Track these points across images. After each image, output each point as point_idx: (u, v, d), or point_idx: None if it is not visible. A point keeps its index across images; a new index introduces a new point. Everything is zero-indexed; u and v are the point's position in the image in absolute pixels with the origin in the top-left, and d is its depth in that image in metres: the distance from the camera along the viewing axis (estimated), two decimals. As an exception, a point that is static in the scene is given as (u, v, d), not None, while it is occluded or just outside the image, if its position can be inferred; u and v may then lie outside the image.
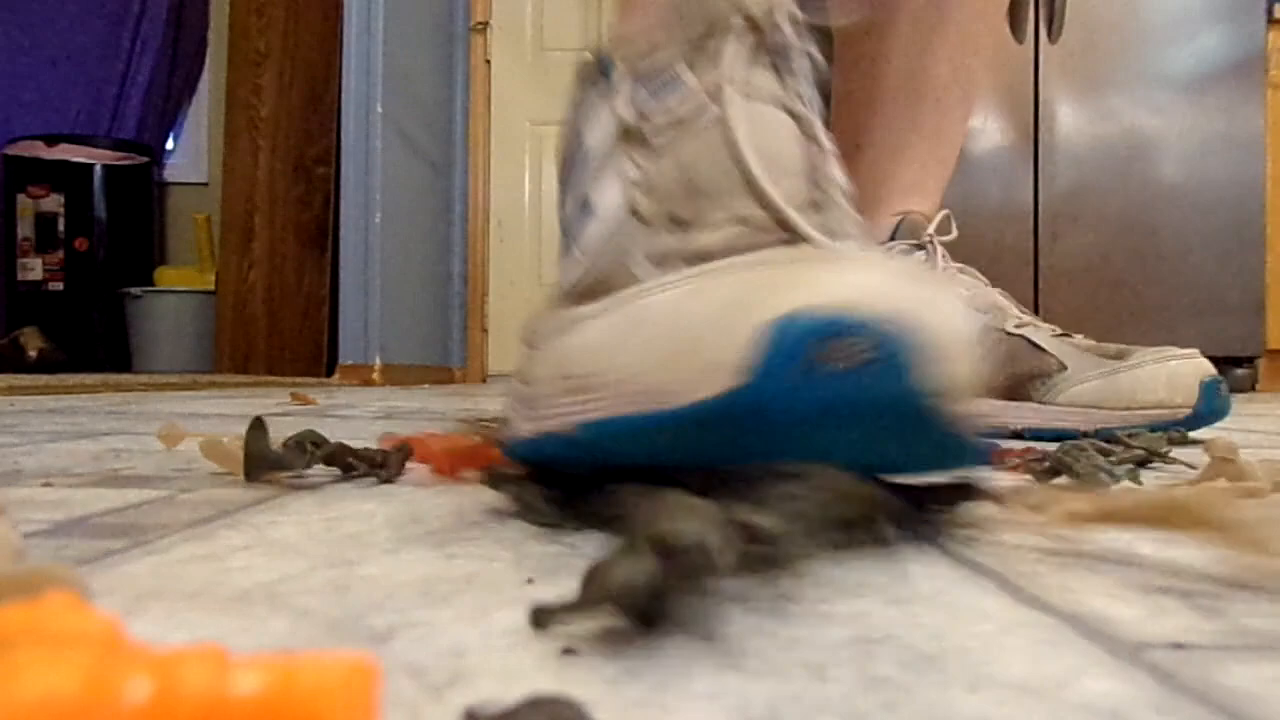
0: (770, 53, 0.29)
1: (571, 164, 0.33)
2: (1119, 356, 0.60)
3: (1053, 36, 1.99)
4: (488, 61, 2.62)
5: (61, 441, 0.49)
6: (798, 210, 0.26)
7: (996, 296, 0.68)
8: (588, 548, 0.22)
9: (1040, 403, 0.62)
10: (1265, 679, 0.13)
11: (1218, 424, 0.60)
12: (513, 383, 0.28)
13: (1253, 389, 2.01)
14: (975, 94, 0.75)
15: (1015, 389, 0.63)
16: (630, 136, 0.29)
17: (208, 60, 3.01)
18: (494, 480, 0.27)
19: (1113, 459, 0.35)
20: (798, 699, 0.12)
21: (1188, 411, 0.57)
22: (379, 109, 1.87)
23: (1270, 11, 2.02)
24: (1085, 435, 0.48)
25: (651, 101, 0.29)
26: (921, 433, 0.21)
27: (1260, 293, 1.98)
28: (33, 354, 2.40)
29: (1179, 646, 0.15)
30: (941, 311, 0.20)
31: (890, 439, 0.21)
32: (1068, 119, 1.99)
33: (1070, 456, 0.34)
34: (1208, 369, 0.59)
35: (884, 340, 0.19)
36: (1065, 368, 0.61)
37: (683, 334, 0.21)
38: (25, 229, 2.66)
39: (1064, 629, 0.16)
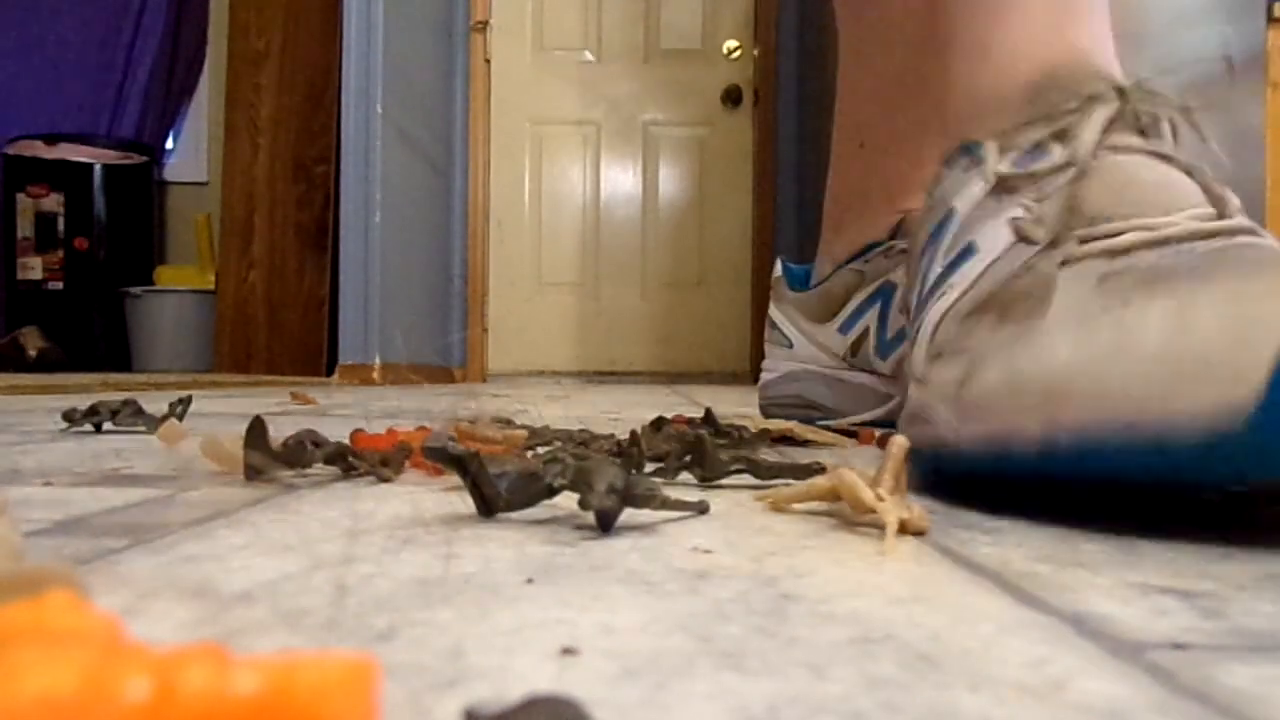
0: (1136, 119, 0.35)
1: (936, 230, 0.39)
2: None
3: (1053, 37, 2.00)
4: (488, 61, 2.62)
5: (61, 441, 0.49)
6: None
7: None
8: (587, 547, 0.22)
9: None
10: (1266, 679, 0.13)
11: None
12: (928, 388, 0.33)
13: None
14: None
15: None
16: (1008, 188, 0.35)
17: (207, 59, 3.01)
18: (435, 454, 0.28)
19: None
20: (797, 699, 0.12)
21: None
22: (379, 108, 1.87)
23: (1270, 10, 2.02)
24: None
25: (1021, 165, 0.35)
26: None
27: (1260, 293, 1.98)
28: (32, 353, 2.40)
29: (1179, 646, 0.15)
30: None
31: None
32: (1068, 119, 1.99)
33: None
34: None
35: None
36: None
37: (1189, 350, 0.22)
38: (25, 228, 2.66)
39: (1064, 629, 0.16)
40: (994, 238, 0.34)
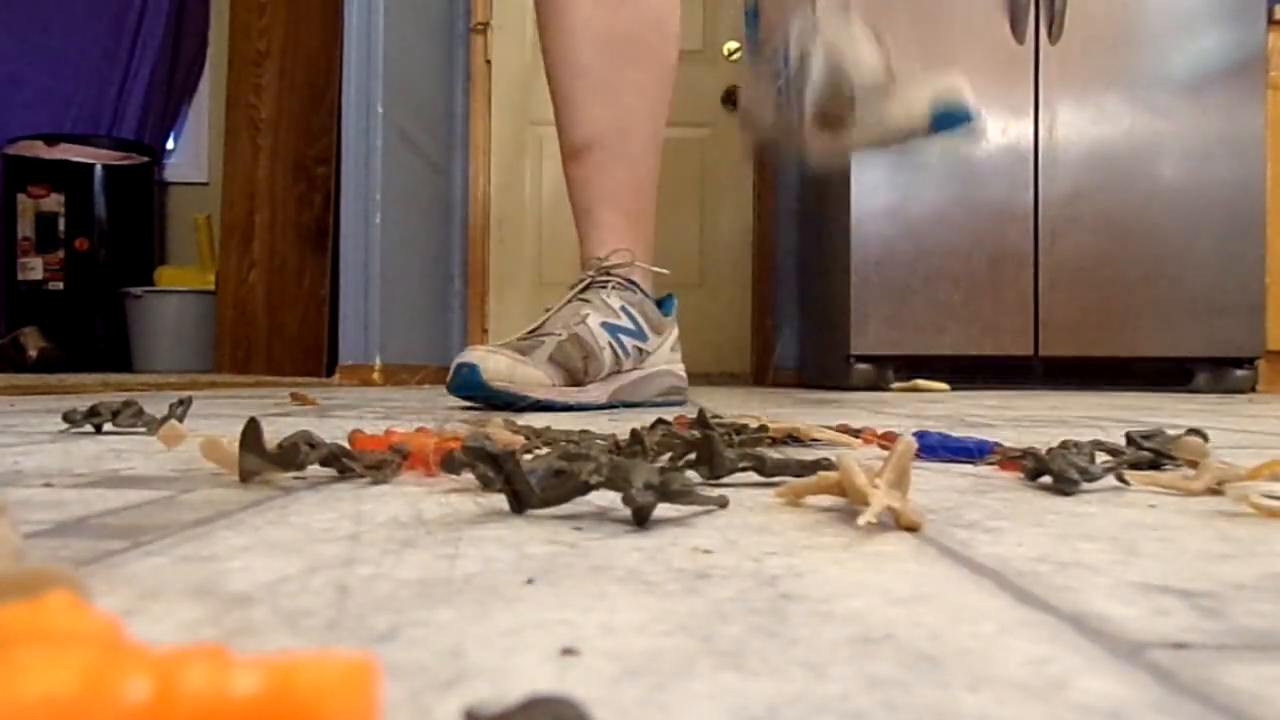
0: None
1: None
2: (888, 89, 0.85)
3: (1053, 37, 1.99)
4: (488, 62, 2.62)
5: (61, 442, 0.49)
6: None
7: (851, 41, 0.90)
8: (587, 547, 0.22)
9: (850, 129, 0.84)
10: (1266, 679, 0.13)
11: None
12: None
13: (1253, 390, 2.01)
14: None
15: (838, 118, 0.86)
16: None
17: (208, 60, 3.01)
18: (454, 465, 0.29)
19: (1106, 462, 0.35)
20: (798, 698, 0.12)
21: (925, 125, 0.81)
22: (379, 109, 1.87)
23: (1270, 12, 2.02)
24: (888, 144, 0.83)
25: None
26: None
27: (1260, 294, 1.98)
28: (33, 354, 2.40)
29: (1179, 646, 0.15)
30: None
31: None
32: (1068, 120, 1.99)
33: (1051, 456, 0.34)
34: (943, 92, 0.78)
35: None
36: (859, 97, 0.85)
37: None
38: (26, 229, 2.66)
39: (1064, 628, 0.16)
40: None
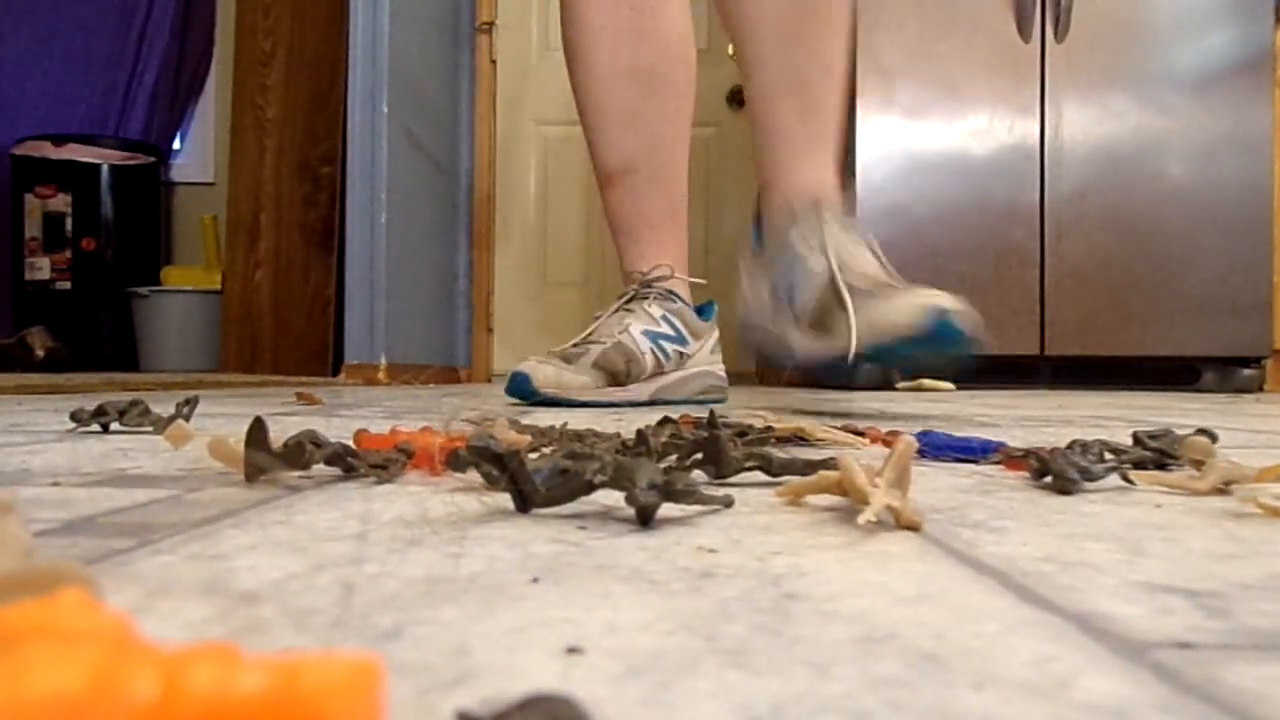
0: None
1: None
2: (883, 294, 0.78)
3: (1059, 35, 1.99)
4: (493, 61, 2.62)
5: (69, 441, 0.49)
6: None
7: (853, 250, 0.88)
8: (592, 546, 0.22)
9: (837, 332, 0.80)
10: (1271, 679, 0.13)
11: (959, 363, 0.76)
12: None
13: (1260, 390, 2.00)
14: (844, 81, 1.00)
15: (825, 325, 0.83)
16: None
17: (214, 60, 3.02)
18: (459, 464, 0.31)
19: (1109, 462, 0.35)
20: (801, 697, 0.12)
21: (913, 332, 0.73)
22: (385, 109, 1.88)
23: (1278, 10, 2.01)
24: (859, 356, 0.76)
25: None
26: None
27: (1267, 293, 1.97)
28: (40, 353, 2.41)
29: (1184, 646, 0.15)
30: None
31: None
32: (1074, 118, 1.98)
33: (1053, 457, 0.34)
34: (942, 302, 0.73)
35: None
36: (850, 304, 0.81)
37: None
38: (33, 229, 2.67)
39: (1068, 628, 0.16)
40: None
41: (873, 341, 0.74)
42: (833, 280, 0.82)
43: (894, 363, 0.68)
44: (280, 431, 0.35)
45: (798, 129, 0.97)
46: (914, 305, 0.72)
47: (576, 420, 0.64)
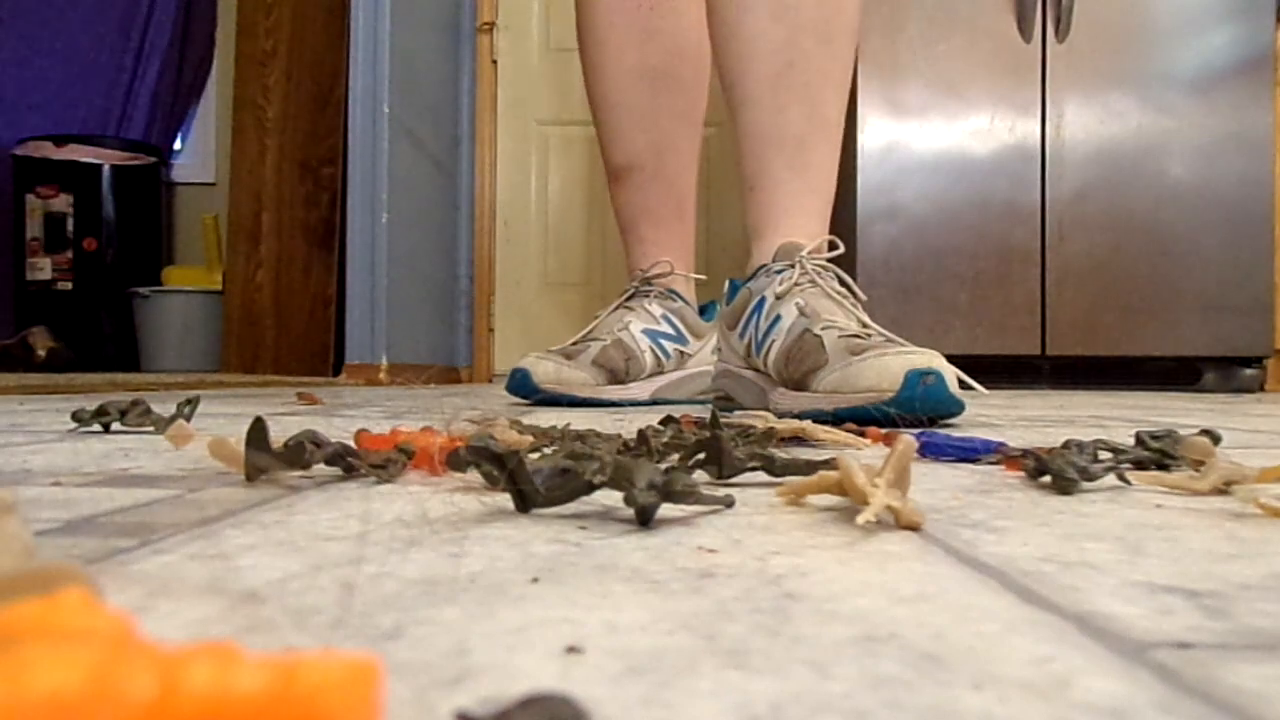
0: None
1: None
2: (859, 351, 0.71)
3: (1060, 35, 1.99)
4: (495, 61, 2.62)
5: (70, 441, 0.49)
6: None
7: (824, 303, 0.82)
8: (592, 546, 0.22)
9: (811, 390, 0.74)
10: (1271, 678, 0.13)
11: (959, 415, 0.70)
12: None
13: (1261, 389, 2.00)
14: (837, 133, 0.94)
15: (802, 380, 0.77)
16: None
17: (215, 60, 3.02)
18: (460, 464, 0.31)
19: (1107, 461, 0.35)
20: (801, 697, 0.12)
21: (891, 395, 0.66)
22: (386, 109, 1.88)
23: (1279, 11, 2.01)
24: (831, 414, 0.68)
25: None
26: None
27: (1268, 293, 1.97)
28: (42, 353, 2.41)
29: (1184, 646, 0.15)
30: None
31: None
32: (1074, 118, 1.98)
33: (1052, 457, 0.34)
34: (918, 363, 0.67)
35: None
36: (828, 361, 0.73)
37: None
38: (34, 229, 2.67)
39: (1068, 628, 0.16)
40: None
41: (846, 405, 0.68)
42: (804, 335, 0.78)
43: (870, 422, 0.61)
44: (281, 431, 0.35)
45: (786, 179, 0.92)
46: (890, 367, 0.67)
47: (578, 421, 0.64)
